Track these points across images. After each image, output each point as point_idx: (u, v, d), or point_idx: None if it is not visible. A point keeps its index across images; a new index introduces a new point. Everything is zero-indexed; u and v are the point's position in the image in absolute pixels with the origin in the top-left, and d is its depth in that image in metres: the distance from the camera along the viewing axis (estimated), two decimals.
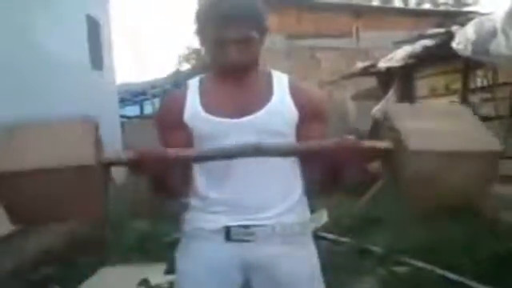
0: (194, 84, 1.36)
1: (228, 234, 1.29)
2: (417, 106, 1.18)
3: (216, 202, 1.31)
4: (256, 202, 1.29)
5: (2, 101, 4.05)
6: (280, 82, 1.34)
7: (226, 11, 1.23)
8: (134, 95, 12.26)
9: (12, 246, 4.01)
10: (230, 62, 1.25)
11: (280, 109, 1.29)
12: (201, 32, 1.30)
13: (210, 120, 1.28)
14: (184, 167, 1.32)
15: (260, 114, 1.28)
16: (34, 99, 4.68)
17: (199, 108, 1.30)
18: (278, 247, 1.30)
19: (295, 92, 1.32)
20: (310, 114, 1.31)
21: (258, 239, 1.29)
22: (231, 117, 1.27)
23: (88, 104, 6.13)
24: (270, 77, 1.35)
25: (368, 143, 1.19)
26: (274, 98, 1.30)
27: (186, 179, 1.34)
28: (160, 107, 1.45)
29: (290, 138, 1.31)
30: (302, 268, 1.34)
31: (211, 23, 1.25)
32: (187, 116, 1.30)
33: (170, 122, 1.32)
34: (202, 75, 1.39)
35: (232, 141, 1.25)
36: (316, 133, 1.30)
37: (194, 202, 1.35)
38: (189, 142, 1.30)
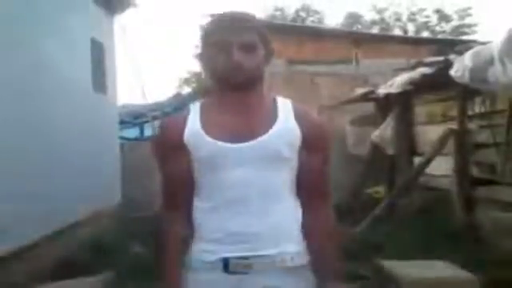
0: (195, 106, 1.33)
1: (226, 266, 1.25)
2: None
3: (214, 230, 1.27)
4: (255, 231, 1.25)
5: (5, 120, 4.07)
6: (285, 106, 1.31)
7: (231, 19, 1.26)
8: (134, 117, 12.31)
9: (5, 268, 3.96)
10: (234, 65, 1.22)
11: (284, 132, 1.26)
12: (205, 46, 1.29)
13: (209, 143, 1.24)
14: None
15: (263, 138, 1.24)
16: (35, 120, 4.70)
17: (199, 129, 1.26)
18: (277, 279, 1.26)
19: (300, 117, 1.29)
20: (313, 140, 1.29)
21: (257, 271, 1.25)
22: (232, 141, 1.23)
23: (88, 126, 6.16)
24: (274, 101, 1.33)
25: None
26: (279, 122, 1.27)
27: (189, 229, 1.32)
28: (159, 129, 1.38)
29: (292, 163, 1.28)
30: None
31: (216, 32, 1.25)
32: (187, 137, 1.26)
33: (170, 142, 1.29)
34: (204, 99, 1.37)
35: (231, 165, 1.23)
36: (318, 162, 1.31)
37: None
38: (188, 167, 1.28)
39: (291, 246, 1.28)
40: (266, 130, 1.25)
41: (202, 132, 1.25)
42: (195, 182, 1.30)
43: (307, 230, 1.31)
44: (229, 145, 1.23)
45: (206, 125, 1.26)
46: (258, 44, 1.26)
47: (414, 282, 1.25)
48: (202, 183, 1.29)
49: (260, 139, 1.24)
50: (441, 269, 1.37)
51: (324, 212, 1.34)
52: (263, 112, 1.28)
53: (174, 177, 1.31)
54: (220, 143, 1.23)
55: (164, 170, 1.32)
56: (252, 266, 1.24)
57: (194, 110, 1.31)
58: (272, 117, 1.28)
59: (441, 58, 5.00)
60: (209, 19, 1.32)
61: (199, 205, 1.30)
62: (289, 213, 1.30)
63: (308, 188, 1.32)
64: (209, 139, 1.24)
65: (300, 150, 1.28)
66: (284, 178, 1.29)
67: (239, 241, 1.24)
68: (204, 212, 1.29)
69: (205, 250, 1.28)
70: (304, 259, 1.31)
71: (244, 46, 1.23)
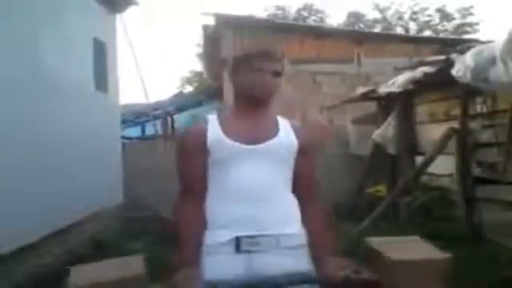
0: (213, 117, 1.62)
1: (238, 245, 1.47)
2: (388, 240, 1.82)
3: (227, 215, 1.51)
4: (262, 215, 1.50)
5: (7, 120, 4.09)
6: (282, 121, 1.66)
7: (267, 50, 1.57)
8: (135, 116, 12.32)
9: (9, 267, 3.98)
10: (266, 88, 1.55)
11: (285, 140, 1.59)
12: (239, 67, 1.59)
13: (230, 145, 1.53)
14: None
15: (271, 142, 1.57)
16: (38, 120, 4.72)
17: (221, 135, 1.55)
18: (282, 257, 1.49)
19: (295, 130, 1.66)
20: (306, 147, 1.64)
21: (265, 250, 1.48)
22: (248, 143, 1.54)
23: (90, 126, 6.17)
24: (274, 116, 1.67)
25: (357, 277, 1.40)
26: (281, 132, 1.61)
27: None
28: (184, 134, 1.65)
29: (290, 163, 1.61)
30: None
31: (253, 58, 1.56)
32: (210, 141, 1.54)
33: (194, 145, 1.56)
34: (219, 112, 1.65)
35: (245, 162, 1.53)
36: (309, 165, 1.65)
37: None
38: (205, 166, 1.56)
39: (292, 228, 1.55)
40: (272, 136, 1.58)
41: (223, 136, 1.54)
42: (212, 176, 1.56)
43: (304, 216, 1.61)
44: (244, 146, 1.54)
45: (226, 131, 1.56)
46: (282, 71, 1.59)
47: (403, 262, 1.62)
48: (219, 177, 1.55)
49: (268, 143, 1.57)
50: (419, 247, 1.78)
51: (315, 200, 1.66)
52: (270, 123, 1.63)
53: (194, 172, 1.57)
54: (237, 144, 1.53)
55: (186, 167, 1.58)
56: (259, 244, 1.48)
57: (212, 120, 1.60)
58: (275, 127, 1.62)
59: (442, 57, 4.99)
60: (247, 45, 1.65)
61: (215, 196, 1.55)
62: (289, 201, 1.60)
63: (302, 183, 1.64)
64: (229, 141, 1.53)
65: (297, 155, 1.61)
66: (284, 174, 1.60)
67: (248, 223, 1.49)
68: (219, 201, 1.54)
69: (218, 233, 1.50)
70: (304, 240, 1.56)
71: (274, 72, 1.56)
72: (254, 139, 1.55)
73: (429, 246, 1.74)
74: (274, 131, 1.60)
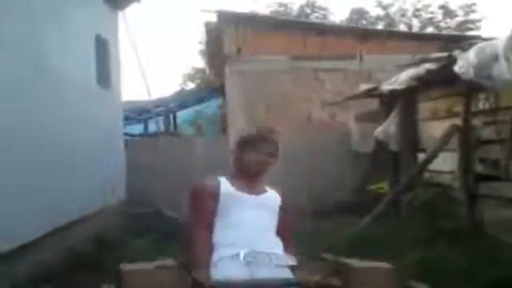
0: (223, 179, 2.20)
1: (239, 258, 1.93)
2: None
3: (230, 239, 2.01)
4: (257, 240, 2.03)
5: (9, 117, 4.10)
6: (268, 188, 2.25)
7: (266, 136, 2.20)
8: (138, 113, 12.33)
9: (9, 265, 3.99)
10: (260, 165, 2.16)
11: (272, 197, 2.22)
12: (242, 147, 2.18)
13: (238, 195, 2.13)
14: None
15: (263, 196, 2.20)
16: (39, 117, 4.73)
17: (231, 188, 2.15)
18: (273, 271, 1.95)
19: (278, 193, 2.26)
20: (285, 207, 2.22)
21: (260, 264, 1.94)
22: (250, 194, 2.15)
23: (93, 123, 6.19)
24: (263, 184, 2.26)
25: (323, 281, 1.93)
26: (268, 192, 2.24)
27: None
28: (201, 186, 2.18)
29: (276, 212, 2.19)
30: None
31: (255, 141, 2.17)
32: (223, 193, 2.12)
33: (210, 196, 2.11)
34: (227, 176, 2.23)
35: (246, 207, 2.10)
36: (287, 221, 2.21)
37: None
38: (215, 209, 2.09)
39: (279, 250, 2.08)
40: (263, 193, 2.22)
41: (233, 189, 2.15)
42: (220, 214, 2.10)
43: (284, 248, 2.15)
44: (247, 195, 2.14)
45: (234, 186, 2.16)
46: (276, 152, 2.19)
47: (362, 269, 2.07)
48: (226, 215, 2.09)
49: (261, 196, 2.20)
50: (372, 263, 2.21)
51: (290, 242, 2.20)
52: (260, 184, 2.24)
53: (206, 213, 2.10)
54: (242, 194, 2.14)
55: (202, 210, 2.10)
56: (256, 258, 1.94)
57: (223, 180, 2.19)
58: (264, 188, 2.24)
59: (445, 54, 4.97)
60: (248, 131, 2.30)
61: (221, 226, 2.08)
62: (274, 237, 2.14)
63: (282, 233, 2.18)
64: (237, 192, 2.14)
65: (279, 210, 2.20)
66: (271, 220, 2.17)
67: (246, 244, 1.99)
68: (224, 230, 2.07)
69: (222, 251, 2.00)
70: (287, 261, 2.04)
71: (269, 153, 2.17)
72: (253, 192, 2.17)
73: (379, 262, 2.19)
74: (264, 189, 2.23)
